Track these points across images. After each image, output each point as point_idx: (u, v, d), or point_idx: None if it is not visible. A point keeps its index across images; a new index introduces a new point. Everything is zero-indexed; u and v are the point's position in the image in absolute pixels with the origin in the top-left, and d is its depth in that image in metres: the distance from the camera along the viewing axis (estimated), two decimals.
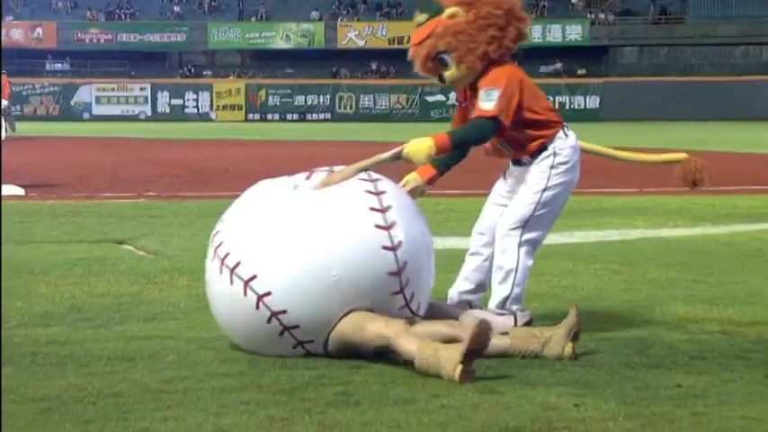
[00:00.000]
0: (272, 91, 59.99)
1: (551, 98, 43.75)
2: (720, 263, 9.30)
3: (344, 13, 76.05)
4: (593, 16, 70.84)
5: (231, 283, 5.82)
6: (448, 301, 6.54)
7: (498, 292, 6.37)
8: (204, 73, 70.77)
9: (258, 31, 74.03)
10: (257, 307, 5.76)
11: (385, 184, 6.05)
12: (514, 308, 6.32)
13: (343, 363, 5.75)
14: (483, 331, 5.47)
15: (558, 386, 5.34)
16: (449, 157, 6.37)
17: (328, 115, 57.70)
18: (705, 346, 6.20)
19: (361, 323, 5.76)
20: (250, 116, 58.01)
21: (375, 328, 5.71)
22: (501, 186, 6.53)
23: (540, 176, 6.33)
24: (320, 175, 6.05)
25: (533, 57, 57.41)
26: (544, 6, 72.65)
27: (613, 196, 15.24)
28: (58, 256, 9.50)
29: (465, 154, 6.47)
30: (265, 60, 72.28)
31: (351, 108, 58.39)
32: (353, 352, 5.78)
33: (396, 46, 66.80)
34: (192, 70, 71.85)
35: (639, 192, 16.36)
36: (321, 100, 58.72)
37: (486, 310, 6.36)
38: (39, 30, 68.51)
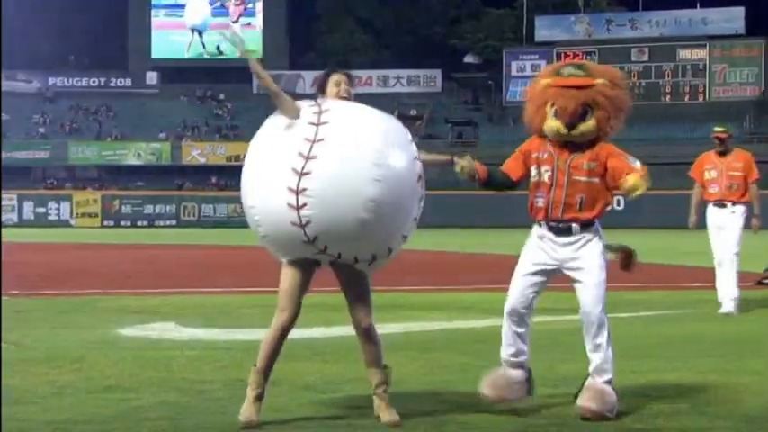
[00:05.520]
0: (124, 201, 59.14)
1: None
2: None
3: (188, 134, 75.79)
4: None
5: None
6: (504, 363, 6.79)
7: (607, 365, 6.52)
8: (65, 185, 69.73)
9: (113, 149, 73.36)
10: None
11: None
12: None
13: None
14: None
15: None
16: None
17: (174, 222, 57.10)
18: (493, 422, 6.27)
19: None
20: (105, 222, 57.08)
21: None
22: (538, 257, 6.64)
23: (599, 258, 6.52)
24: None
25: None
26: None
27: (415, 293, 15.37)
28: None
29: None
30: (119, 174, 71.60)
31: (194, 216, 57.90)
32: None
33: (233, 163, 66.75)
34: (54, 183, 70.74)
35: (437, 289, 16.50)
36: (167, 209, 58.09)
37: (603, 386, 6.47)
38: None
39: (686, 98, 71.53)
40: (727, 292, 12.97)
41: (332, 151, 5.86)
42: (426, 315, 12.49)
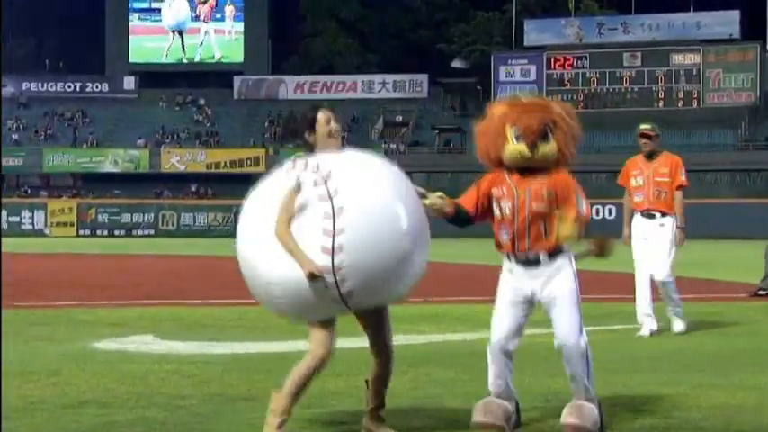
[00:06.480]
0: (101, 210, 59.12)
1: None
2: None
3: (167, 140, 75.70)
4: (386, 146, 71.76)
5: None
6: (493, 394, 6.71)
7: (589, 387, 6.51)
8: (40, 193, 69.65)
9: (89, 156, 73.29)
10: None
11: None
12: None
13: None
14: None
15: None
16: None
17: (152, 231, 57.05)
18: None
19: None
20: (81, 232, 57.03)
21: None
22: (517, 285, 6.61)
23: (571, 284, 6.50)
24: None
25: None
26: (344, 137, 73.20)
27: (405, 305, 15.31)
28: None
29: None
30: (95, 182, 71.53)
31: (173, 225, 57.87)
32: None
33: (212, 170, 66.65)
34: (29, 191, 70.65)
35: (425, 301, 16.45)
36: (146, 218, 58.06)
37: (583, 401, 6.46)
38: None
39: (680, 104, 71.74)
40: (647, 311, 12.01)
41: (358, 219, 5.83)
42: (416, 327, 12.47)
